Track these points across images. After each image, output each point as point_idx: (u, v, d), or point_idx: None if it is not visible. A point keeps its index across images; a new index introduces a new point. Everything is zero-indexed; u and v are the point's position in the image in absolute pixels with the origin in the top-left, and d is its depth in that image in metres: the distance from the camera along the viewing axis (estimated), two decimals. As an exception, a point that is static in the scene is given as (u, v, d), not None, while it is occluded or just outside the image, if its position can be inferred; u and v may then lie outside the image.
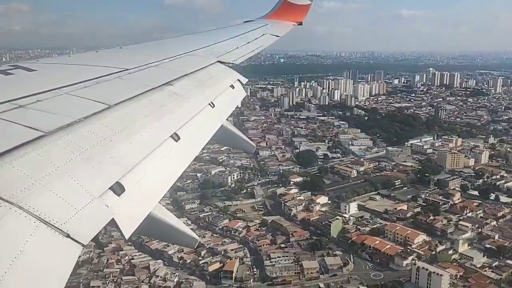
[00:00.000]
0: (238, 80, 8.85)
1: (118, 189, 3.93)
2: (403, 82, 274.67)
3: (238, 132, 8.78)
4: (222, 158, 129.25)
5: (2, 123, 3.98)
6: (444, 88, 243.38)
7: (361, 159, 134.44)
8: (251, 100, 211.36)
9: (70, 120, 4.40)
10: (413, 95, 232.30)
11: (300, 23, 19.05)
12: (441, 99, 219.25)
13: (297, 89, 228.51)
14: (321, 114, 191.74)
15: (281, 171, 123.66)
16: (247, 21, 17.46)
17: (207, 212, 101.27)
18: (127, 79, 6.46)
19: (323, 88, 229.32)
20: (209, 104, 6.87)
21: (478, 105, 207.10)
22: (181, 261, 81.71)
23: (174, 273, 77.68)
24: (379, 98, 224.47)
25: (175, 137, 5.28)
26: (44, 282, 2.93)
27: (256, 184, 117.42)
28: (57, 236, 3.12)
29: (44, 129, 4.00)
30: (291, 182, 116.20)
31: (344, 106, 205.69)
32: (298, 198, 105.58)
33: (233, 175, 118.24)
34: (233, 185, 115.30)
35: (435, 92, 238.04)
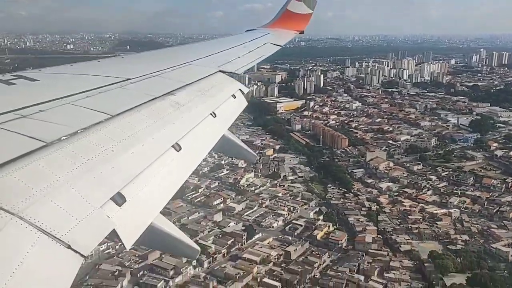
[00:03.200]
0: (240, 89, 8.87)
1: (119, 199, 3.93)
2: (459, 63, 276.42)
3: (240, 142, 8.79)
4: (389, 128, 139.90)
5: (4, 133, 4.00)
6: (506, 68, 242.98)
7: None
8: (330, 80, 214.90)
9: (72, 130, 4.42)
10: (479, 75, 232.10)
11: (302, 32, 19.17)
12: (511, 78, 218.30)
13: (369, 69, 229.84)
14: (425, 91, 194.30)
15: (468, 138, 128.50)
16: (248, 30, 17.56)
17: (443, 171, 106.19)
18: (128, 89, 6.48)
19: (390, 68, 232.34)
20: (211, 114, 6.88)
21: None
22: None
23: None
24: (446, 77, 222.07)
25: (177, 147, 5.28)
26: None
27: (458, 148, 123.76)
28: (58, 247, 3.11)
29: (46, 139, 4.02)
30: (491, 147, 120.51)
31: (438, 83, 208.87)
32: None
33: (431, 141, 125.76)
34: (436, 150, 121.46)
35: (501, 72, 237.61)
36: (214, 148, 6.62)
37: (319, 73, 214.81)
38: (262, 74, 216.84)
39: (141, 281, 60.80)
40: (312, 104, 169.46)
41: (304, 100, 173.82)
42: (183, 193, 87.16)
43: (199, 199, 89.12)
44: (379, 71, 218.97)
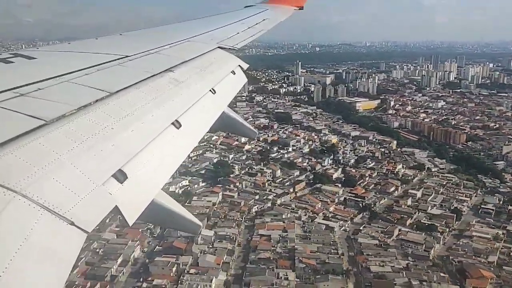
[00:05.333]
0: (239, 65, 8.79)
1: (120, 176, 3.95)
2: (496, 66, 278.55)
3: (240, 118, 8.77)
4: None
5: (3, 112, 3.99)
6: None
7: None
8: (382, 82, 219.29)
9: (71, 108, 4.40)
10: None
11: (301, 8, 18.82)
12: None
13: (424, 71, 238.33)
14: (494, 91, 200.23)
15: None
16: (247, 6, 17.28)
17: None
18: (127, 66, 6.43)
19: (434, 69, 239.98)
20: (210, 90, 6.84)
21: None
22: None
23: None
24: (507, 79, 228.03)
25: (176, 124, 5.27)
26: (50, 269, 2.96)
27: None
28: (61, 223, 3.15)
29: (45, 118, 4.01)
30: None
31: (500, 84, 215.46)
32: None
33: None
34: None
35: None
36: (215, 125, 6.61)
37: (374, 75, 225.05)
38: (312, 76, 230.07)
39: (406, 252, 71.07)
40: (392, 103, 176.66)
41: (379, 100, 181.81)
42: (352, 181, 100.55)
43: (371, 186, 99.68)
44: (436, 73, 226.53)
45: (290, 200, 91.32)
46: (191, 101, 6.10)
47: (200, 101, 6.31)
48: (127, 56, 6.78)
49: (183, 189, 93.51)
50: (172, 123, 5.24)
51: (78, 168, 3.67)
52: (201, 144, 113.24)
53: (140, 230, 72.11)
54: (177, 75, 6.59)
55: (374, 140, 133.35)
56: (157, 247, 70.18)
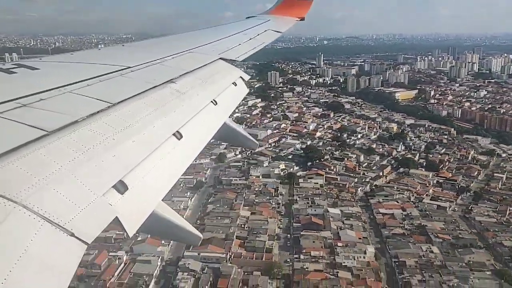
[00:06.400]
0: (241, 77, 8.81)
1: (121, 187, 3.94)
2: None
3: (241, 129, 8.77)
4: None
5: (5, 122, 4.00)
6: None
7: None
8: (409, 74, 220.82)
9: (73, 119, 4.42)
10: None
11: (302, 19, 18.97)
12: None
13: (450, 62, 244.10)
14: None
15: None
16: (249, 17, 17.41)
17: None
18: (129, 77, 6.46)
19: (457, 60, 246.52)
20: (212, 101, 6.85)
21: None
22: None
23: None
24: None
25: (178, 135, 5.27)
26: (49, 280, 2.95)
27: None
28: (61, 235, 3.14)
29: (47, 128, 4.02)
30: None
31: None
32: None
33: None
34: None
35: None
36: (215, 136, 6.61)
37: (402, 67, 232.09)
38: (337, 68, 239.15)
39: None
40: (432, 93, 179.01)
41: (417, 90, 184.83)
42: (434, 165, 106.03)
43: (454, 170, 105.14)
44: (465, 64, 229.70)
45: (388, 183, 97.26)
46: (192, 112, 6.11)
47: (202, 112, 6.32)
48: (129, 67, 6.81)
49: (283, 171, 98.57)
50: (173, 134, 5.23)
51: (78, 178, 3.67)
52: (275, 131, 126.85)
53: (269, 209, 77.43)
54: (178, 86, 6.61)
55: (430, 128, 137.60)
56: (294, 223, 73.52)
